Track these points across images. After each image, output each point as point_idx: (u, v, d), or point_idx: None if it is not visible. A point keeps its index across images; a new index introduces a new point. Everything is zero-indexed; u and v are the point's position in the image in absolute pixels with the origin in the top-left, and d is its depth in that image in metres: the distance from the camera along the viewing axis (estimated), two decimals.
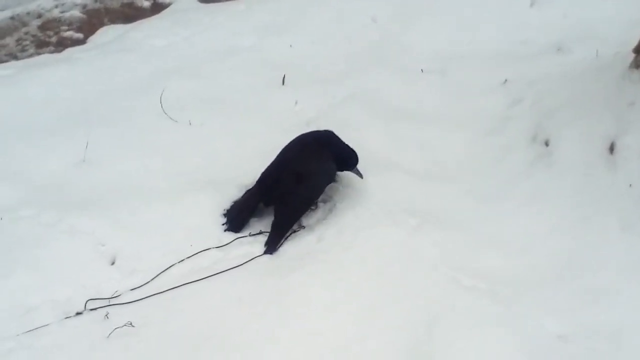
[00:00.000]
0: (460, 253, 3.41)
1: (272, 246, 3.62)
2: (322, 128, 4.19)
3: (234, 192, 3.96)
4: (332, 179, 3.90)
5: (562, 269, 3.24)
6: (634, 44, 3.96)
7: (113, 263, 3.50)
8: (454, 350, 2.85)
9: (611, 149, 3.64)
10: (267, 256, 3.57)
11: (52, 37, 6.67)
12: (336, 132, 3.98)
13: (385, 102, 4.81)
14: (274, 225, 3.70)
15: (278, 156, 3.90)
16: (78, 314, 3.18)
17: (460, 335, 2.91)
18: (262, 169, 3.89)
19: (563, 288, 3.13)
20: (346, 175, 3.98)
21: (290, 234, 3.71)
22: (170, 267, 3.47)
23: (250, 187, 3.94)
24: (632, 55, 3.95)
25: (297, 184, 3.73)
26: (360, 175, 3.91)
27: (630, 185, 3.45)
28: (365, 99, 4.80)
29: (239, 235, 3.71)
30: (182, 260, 3.51)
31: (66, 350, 2.98)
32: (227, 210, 3.85)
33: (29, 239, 3.56)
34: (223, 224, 3.77)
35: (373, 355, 2.87)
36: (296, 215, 3.74)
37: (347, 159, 3.91)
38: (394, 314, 3.04)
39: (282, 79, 5.10)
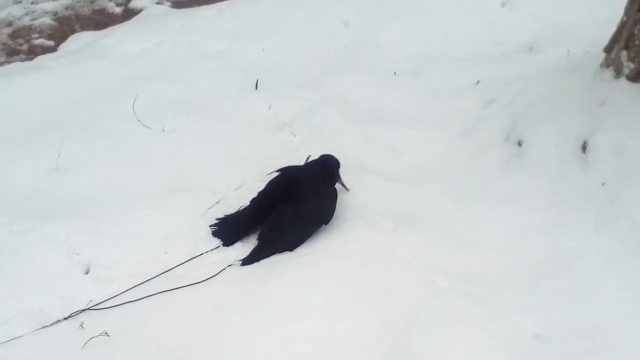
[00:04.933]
0: (436, 254, 3.41)
1: (251, 260, 3.56)
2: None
3: (210, 198, 3.94)
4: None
5: (538, 268, 3.26)
6: (605, 43, 3.99)
7: (87, 272, 3.46)
8: (431, 352, 2.84)
9: (583, 147, 3.66)
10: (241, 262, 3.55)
11: (22, 45, 6.60)
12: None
13: (359, 105, 4.80)
14: (261, 247, 3.63)
15: (283, 181, 3.84)
16: (52, 324, 3.15)
17: (437, 336, 2.91)
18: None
19: (539, 287, 3.15)
20: None
21: None
22: (150, 279, 3.43)
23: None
24: (603, 55, 3.98)
25: (298, 224, 3.67)
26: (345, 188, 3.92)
27: (603, 183, 3.47)
28: (339, 102, 4.79)
29: (215, 245, 3.67)
30: (163, 273, 3.47)
31: None
32: (219, 225, 3.80)
33: (2, 249, 3.52)
34: (214, 236, 3.74)
35: (353, 356, 2.86)
36: (286, 249, 3.61)
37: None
38: (371, 317, 3.03)
39: (255, 83, 5.08)
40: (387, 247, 3.45)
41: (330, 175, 3.87)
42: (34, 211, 3.79)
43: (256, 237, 3.71)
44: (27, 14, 7.06)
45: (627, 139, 3.53)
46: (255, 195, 3.85)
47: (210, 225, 3.77)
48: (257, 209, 3.79)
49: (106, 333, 3.03)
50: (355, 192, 3.89)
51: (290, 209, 3.68)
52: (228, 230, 3.77)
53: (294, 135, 4.52)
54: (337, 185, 3.88)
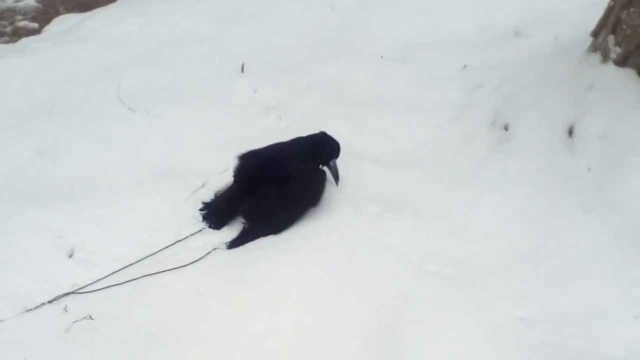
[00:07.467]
0: (425, 240, 3.41)
1: (237, 243, 3.56)
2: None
3: (195, 182, 3.92)
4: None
5: (526, 254, 3.26)
6: (592, 27, 3.99)
7: (71, 255, 3.44)
8: (420, 336, 2.83)
9: (570, 132, 3.66)
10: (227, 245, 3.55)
11: (6, 27, 6.55)
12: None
13: (347, 90, 4.80)
14: (247, 231, 3.64)
15: (271, 159, 3.76)
16: (36, 307, 3.13)
17: (426, 321, 2.90)
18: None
19: (527, 273, 3.14)
20: None
21: None
22: (134, 263, 3.41)
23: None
24: (590, 39, 3.98)
25: (285, 207, 3.65)
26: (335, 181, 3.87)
27: (589, 168, 3.47)
28: (327, 88, 4.78)
29: (199, 228, 3.66)
30: (148, 257, 3.45)
31: (25, 344, 2.92)
32: (207, 209, 3.79)
33: None
34: (203, 221, 3.72)
35: (340, 342, 2.85)
36: (271, 232, 3.60)
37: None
38: (360, 302, 3.02)
39: (241, 67, 5.05)
40: (374, 232, 3.44)
41: (318, 154, 3.84)
42: (18, 195, 3.76)
43: (242, 219, 3.70)
44: None
45: (613, 124, 3.52)
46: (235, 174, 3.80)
47: (200, 209, 3.76)
48: (239, 188, 3.75)
49: (90, 317, 3.01)
50: (344, 177, 3.88)
51: (276, 191, 3.63)
52: (216, 213, 3.75)
53: (280, 119, 4.51)
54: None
